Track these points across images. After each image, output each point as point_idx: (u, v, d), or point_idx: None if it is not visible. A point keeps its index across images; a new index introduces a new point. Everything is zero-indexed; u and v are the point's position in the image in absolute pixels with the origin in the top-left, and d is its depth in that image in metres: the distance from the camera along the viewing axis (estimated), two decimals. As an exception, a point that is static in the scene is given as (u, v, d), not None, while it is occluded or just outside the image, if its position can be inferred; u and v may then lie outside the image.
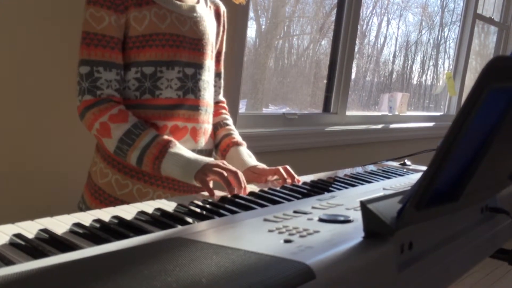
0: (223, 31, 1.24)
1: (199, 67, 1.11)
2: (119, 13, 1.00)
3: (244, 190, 0.93)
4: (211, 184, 0.95)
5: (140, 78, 1.05)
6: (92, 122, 1.00)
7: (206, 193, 0.91)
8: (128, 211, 0.75)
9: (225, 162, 0.98)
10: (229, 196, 0.89)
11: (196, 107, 1.11)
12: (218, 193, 0.91)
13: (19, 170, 1.30)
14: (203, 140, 1.15)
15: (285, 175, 1.04)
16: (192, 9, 1.09)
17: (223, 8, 1.23)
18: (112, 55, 1.01)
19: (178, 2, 1.07)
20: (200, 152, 1.13)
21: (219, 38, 1.23)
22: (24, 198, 1.32)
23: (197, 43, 1.10)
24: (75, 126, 1.35)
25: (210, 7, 1.18)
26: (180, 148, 1.00)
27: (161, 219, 0.71)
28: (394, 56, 3.23)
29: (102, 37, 1.00)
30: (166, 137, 1.01)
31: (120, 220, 0.70)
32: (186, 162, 0.97)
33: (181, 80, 1.08)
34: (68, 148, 1.37)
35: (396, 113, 2.95)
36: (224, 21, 1.23)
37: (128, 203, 0.82)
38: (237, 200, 0.85)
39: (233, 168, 0.95)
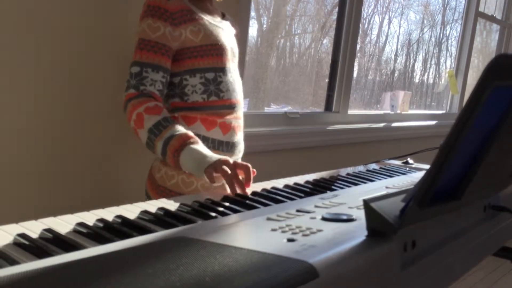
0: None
1: (235, 72, 1.28)
2: (174, 26, 1.15)
3: (247, 184, 0.94)
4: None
5: (205, 83, 1.20)
6: (131, 113, 1.09)
7: (208, 193, 0.92)
8: (131, 211, 0.75)
9: (236, 160, 0.99)
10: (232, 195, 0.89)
11: (238, 106, 1.28)
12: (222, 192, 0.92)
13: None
14: (241, 134, 1.30)
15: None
16: (223, 24, 1.28)
17: (238, 30, 1.38)
18: (161, 60, 1.14)
19: (218, 18, 1.26)
20: (237, 143, 1.27)
21: None
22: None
23: (230, 53, 1.26)
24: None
25: (228, 20, 1.35)
26: (201, 146, 1.05)
27: (164, 219, 0.71)
28: (396, 55, 3.22)
29: (155, 44, 1.13)
30: (191, 133, 1.07)
31: (123, 220, 0.70)
32: (202, 157, 1.01)
33: (232, 84, 1.24)
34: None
35: (398, 111, 2.95)
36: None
37: None
38: (240, 199, 0.86)
39: (243, 165, 0.96)
